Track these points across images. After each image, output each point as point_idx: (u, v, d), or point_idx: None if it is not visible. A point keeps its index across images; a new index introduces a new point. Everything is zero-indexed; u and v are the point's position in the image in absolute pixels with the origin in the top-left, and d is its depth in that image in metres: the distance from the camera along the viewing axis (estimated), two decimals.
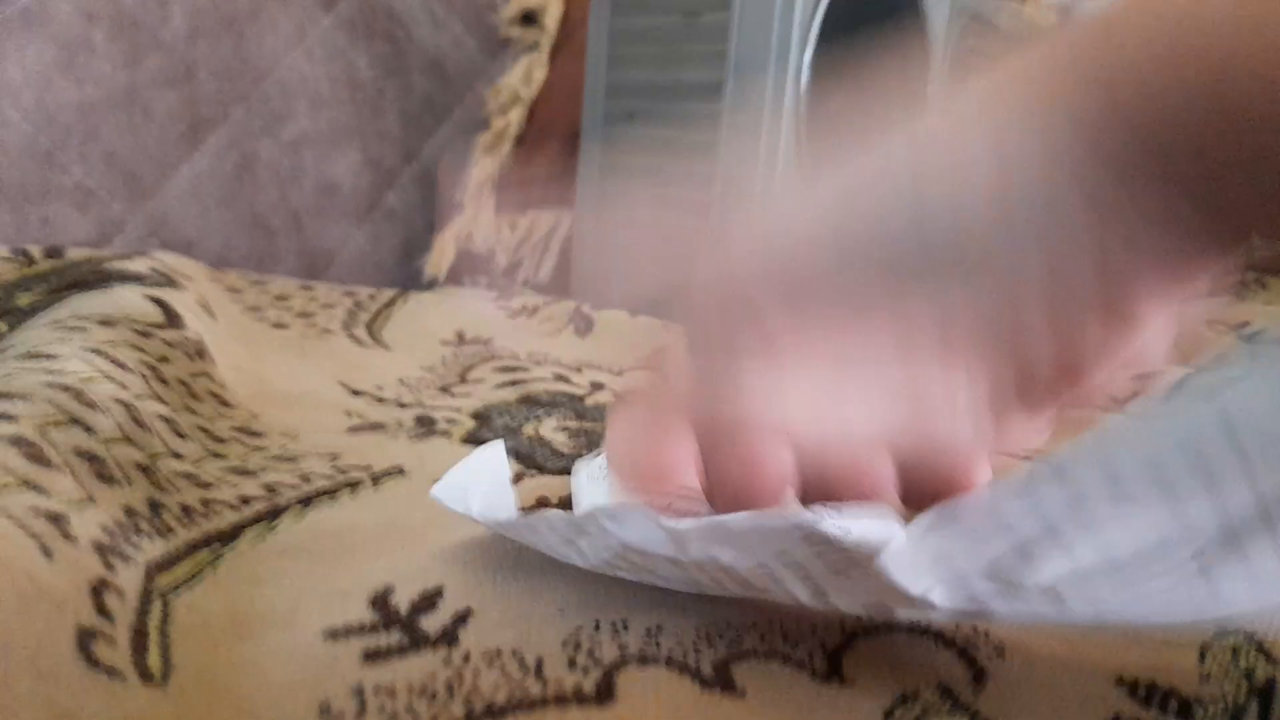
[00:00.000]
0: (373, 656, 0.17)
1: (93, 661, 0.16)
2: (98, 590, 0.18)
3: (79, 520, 0.19)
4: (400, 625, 0.18)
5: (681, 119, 0.59)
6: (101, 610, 0.17)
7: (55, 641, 0.16)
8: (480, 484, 0.22)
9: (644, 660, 0.16)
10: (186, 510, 0.24)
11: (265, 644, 0.18)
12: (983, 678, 0.16)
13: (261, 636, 0.18)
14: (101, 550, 0.19)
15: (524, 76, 0.81)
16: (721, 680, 0.16)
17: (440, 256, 0.76)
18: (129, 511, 0.22)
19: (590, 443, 0.35)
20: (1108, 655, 0.17)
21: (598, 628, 0.17)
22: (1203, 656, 0.17)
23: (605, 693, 0.16)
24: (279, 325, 0.49)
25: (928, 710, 0.16)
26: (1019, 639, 0.18)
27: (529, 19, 0.84)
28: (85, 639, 0.16)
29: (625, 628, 0.18)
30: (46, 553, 0.17)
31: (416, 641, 0.17)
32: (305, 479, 0.28)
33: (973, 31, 0.69)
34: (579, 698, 0.15)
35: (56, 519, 0.19)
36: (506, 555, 0.22)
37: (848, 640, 0.18)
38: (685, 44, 0.58)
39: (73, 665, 0.16)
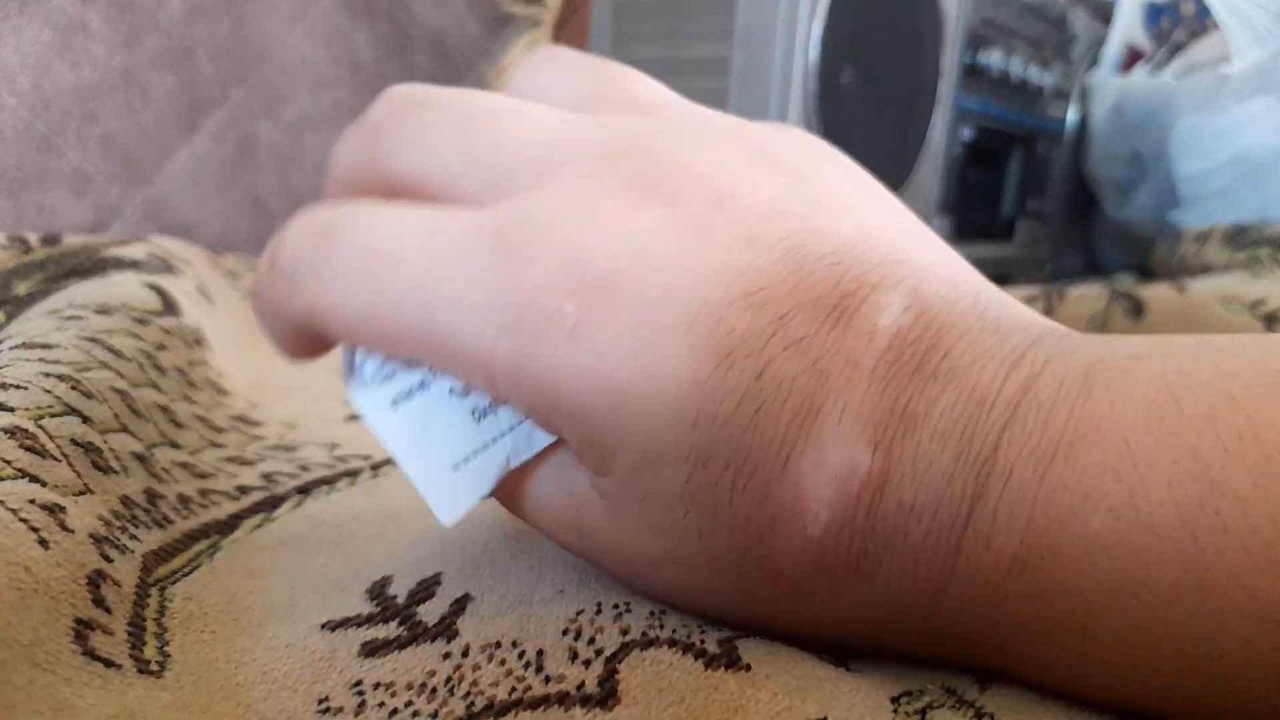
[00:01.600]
0: (371, 650, 0.17)
1: (90, 653, 0.16)
2: (95, 582, 0.18)
3: (76, 511, 0.19)
4: (399, 617, 0.18)
5: (687, 96, 0.58)
6: (99, 602, 0.17)
7: (53, 633, 0.16)
8: None
9: (647, 644, 0.16)
10: (184, 500, 0.24)
11: (263, 636, 0.18)
12: (988, 680, 0.16)
13: (259, 628, 0.18)
14: (98, 541, 0.19)
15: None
16: (727, 657, 0.16)
17: None
18: (126, 502, 0.22)
19: None
20: None
21: (599, 611, 0.17)
22: None
23: (608, 686, 0.15)
24: None
25: (933, 704, 0.15)
26: None
27: None
28: (82, 630, 0.16)
29: (628, 609, 0.17)
30: (43, 544, 0.17)
31: (415, 635, 0.17)
32: (304, 468, 0.28)
33: (986, 2, 0.68)
34: (581, 694, 0.15)
35: (53, 510, 0.19)
36: (506, 537, 0.21)
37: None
38: (690, 19, 0.58)
39: (70, 657, 0.16)
